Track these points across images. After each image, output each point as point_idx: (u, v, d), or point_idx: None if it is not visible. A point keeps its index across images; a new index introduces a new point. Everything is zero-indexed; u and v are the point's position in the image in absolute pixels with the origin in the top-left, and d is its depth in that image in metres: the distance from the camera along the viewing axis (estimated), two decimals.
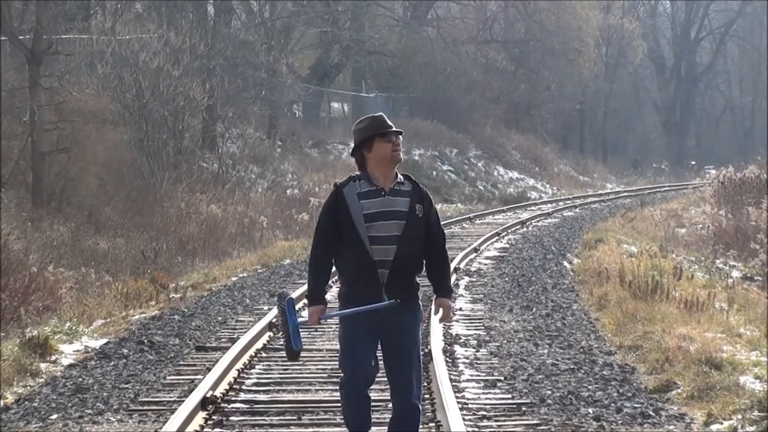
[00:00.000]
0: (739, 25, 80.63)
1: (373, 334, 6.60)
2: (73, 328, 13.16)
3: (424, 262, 6.71)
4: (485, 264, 20.38)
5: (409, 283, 6.62)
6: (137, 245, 20.19)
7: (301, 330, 6.65)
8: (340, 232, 6.56)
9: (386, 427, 6.93)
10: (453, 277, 17.45)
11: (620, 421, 8.87)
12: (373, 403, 9.32)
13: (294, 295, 8.87)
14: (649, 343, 11.79)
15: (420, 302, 6.72)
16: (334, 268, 6.74)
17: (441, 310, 6.72)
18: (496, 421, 8.84)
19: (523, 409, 9.21)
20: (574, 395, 9.66)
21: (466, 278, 18.17)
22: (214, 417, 8.91)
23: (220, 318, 14.20)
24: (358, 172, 6.70)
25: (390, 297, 6.50)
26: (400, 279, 6.55)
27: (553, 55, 56.48)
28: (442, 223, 6.93)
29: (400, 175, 6.73)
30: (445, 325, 13.12)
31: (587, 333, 13.00)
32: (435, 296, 6.77)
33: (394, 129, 6.69)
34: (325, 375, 10.35)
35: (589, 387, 10.04)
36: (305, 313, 6.74)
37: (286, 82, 39.13)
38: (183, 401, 9.13)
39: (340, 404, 6.90)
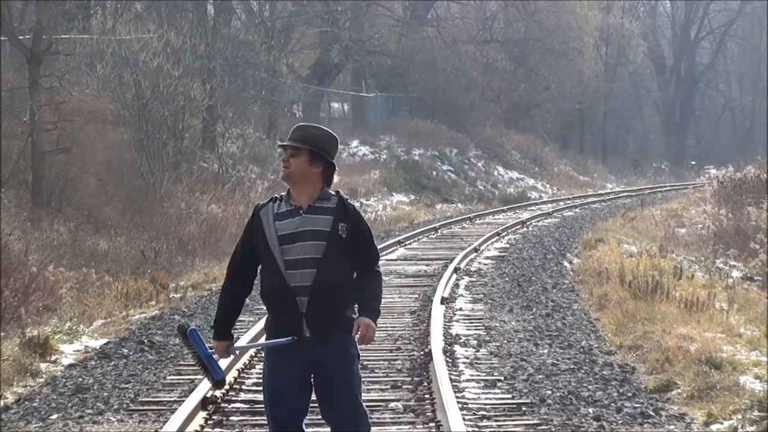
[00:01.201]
0: (739, 25, 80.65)
1: (301, 375, 5.82)
2: (74, 328, 13.17)
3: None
4: (485, 264, 20.38)
5: (335, 312, 5.80)
6: (137, 245, 20.19)
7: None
8: (257, 258, 5.87)
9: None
10: (453, 278, 17.49)
11: (620, 421, 8.87)
12: (372, 403, 9.36)
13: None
14: (649, 343, 11.80)
15: (352, 337, 5.86)
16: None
17: (359, 329, 5.79)
18: (496, 420, 8.84)
19: (524, 409, 9.22)
20: (574, 395, 9.67)
21: (466, 278, 18.17)
22: (215, 417, 8.91)
23: None
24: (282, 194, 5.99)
25: (311, 328, 5.74)
26: (322, 308, 5.75)
27: (552, 55, 56.48)
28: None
29: (329, 191, 5.91)
30: (445, 325, 13.13)
31: (587, 333, 13.01)
32: (357, 317, 5.88)
33: (287, 142, 5.87)
34: None
35: (590, 387, 10.04)
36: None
37: (286, 82, 39.15)
38: (183, 401, 9.14)
39: None
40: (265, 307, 6.05)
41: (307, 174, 5.82)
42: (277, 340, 5.78)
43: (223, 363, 6.64)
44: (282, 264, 5.77)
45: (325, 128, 5.98)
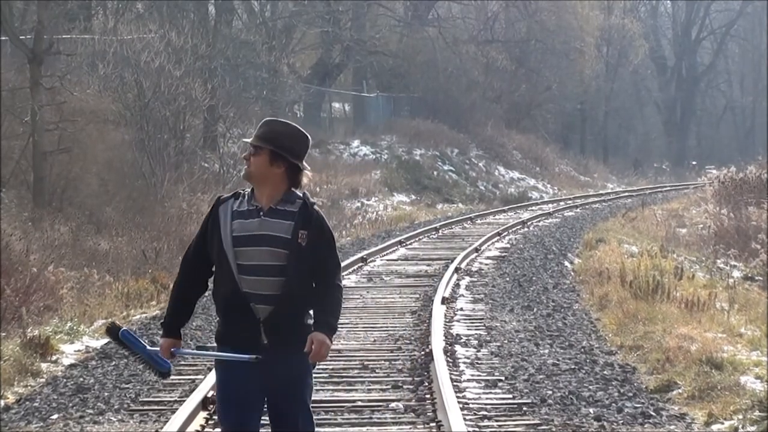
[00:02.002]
0: (740, 25, 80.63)
1: (255, 384, 5.42)
2: (74, 328, 13.17)
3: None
4: (486, 264, 20.38)
5: (297, 324, 5.42)
6: (138, 245, 20.19)
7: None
8: (212, 256, 5.49)
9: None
10: (454, 278, 17.48)
11: (621, 421, 8.88)
12: (372, 403, 9.37)
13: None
14: (650, 343, 11.80)
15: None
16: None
17: (313, 345, 5.37)
18: (496, 421, 8.84)
19: (524, 409, 9.22)
20: (575, 395, 9.67)
21: (467, 278, 18.17)
22: (215, 417, 8.91)
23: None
24: (248, 189, 5.59)
25: (270, 339, 5.35)
26: (285, 319, 5.38)
27: (554, 55, 56.49)
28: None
29: (295, 193, 5.50)
30: (446, 325, 13.13)
31: (588, 333, 13.01)
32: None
33: (249, 139, 5.53)
34: (326, 375, 10.35)
35: (590, 387, 10.04)
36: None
37: (287, 82, 39.19)
38: (184, 401, 9.15)
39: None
40: (217, 315, 5.59)
41: (267, 175, 5.44)
42: (237, 356, 5.35)
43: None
44: (234, 267, 5.38)
45: (293, 125, 5.55)
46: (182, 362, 11.32)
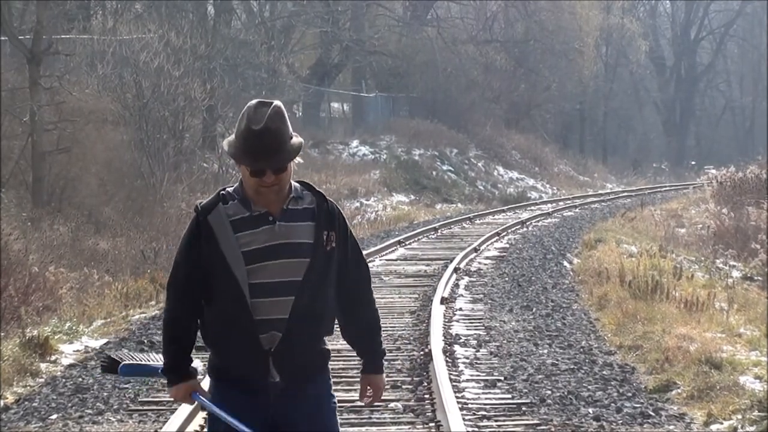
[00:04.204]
0: (739, 25, 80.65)
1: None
2: (73, 328, 13.17)
3: (337, 315, 4.55)
4: (485, 264, 20.38)
5: (311, 350, 4.44)
6: (137, 245, 20.20)
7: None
8: (207, 279, 4.41)
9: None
10: (453, 278, 17.47)
11: (620, 421, 8.88)
12: (371, 404, 9.36)
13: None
14: (649, 343, 11.81)
15: (329, 375, 4.58)
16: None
17: (371, 391, 4.61)
18: (496, 421, 8.85)
19: (523, 409, 9.22)
20: (574, 395, 9.67)
21: (466, 278, 18.17)
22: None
23: None
24: (229, 188, 4.47)
25: (282, 372, 4.36)
26: (299, 347, 4.36)
27: (553, 55, 56.49)
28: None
29: (295, 185, 4.43)
30: (445, 325, 13.13)
31: (587, 333, 13.01)
32: (361, 372, 4.64)
33: (265, 165, 4.28)
34: None
35: (589, 387, 10.04)
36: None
37: (286, 82, 39.19)
38: None
39: None
40: (207, 345, 4.51)
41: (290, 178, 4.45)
42: (238, 424, 4.30)
43: None
44: (247, 290, 4.30)
45: (276, 105, 4.33)
46: None
